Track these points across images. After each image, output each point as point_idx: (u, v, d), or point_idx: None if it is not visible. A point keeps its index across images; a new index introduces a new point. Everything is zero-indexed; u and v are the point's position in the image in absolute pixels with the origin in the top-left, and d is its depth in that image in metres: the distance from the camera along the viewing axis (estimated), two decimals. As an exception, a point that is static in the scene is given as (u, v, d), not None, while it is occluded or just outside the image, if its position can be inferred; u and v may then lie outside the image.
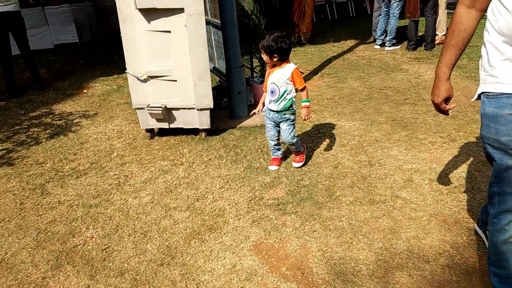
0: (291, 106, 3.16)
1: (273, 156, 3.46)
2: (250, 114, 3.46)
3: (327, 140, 3.91)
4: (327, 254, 2.43)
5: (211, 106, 3.88)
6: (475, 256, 2.34)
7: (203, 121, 3.97)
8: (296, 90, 3.17)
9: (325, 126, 4.26)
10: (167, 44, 3.69)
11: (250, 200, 3.02)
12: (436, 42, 7.22)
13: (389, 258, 2.36)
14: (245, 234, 2.66)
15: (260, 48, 3.03)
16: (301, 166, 3.40)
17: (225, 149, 3.84)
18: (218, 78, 5.64)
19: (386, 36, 7.36)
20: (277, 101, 3.11)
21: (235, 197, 3.08)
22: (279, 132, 3.31)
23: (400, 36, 7.51)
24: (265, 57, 3.05)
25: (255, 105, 4.85)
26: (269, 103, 3.17)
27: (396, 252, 2.40)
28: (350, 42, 8.14)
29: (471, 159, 3.38)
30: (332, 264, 2.35)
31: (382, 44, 7.50)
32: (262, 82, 4.87)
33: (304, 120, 3.16)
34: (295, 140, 3.24)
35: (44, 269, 2.48)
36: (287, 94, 3.09)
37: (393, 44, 7.37)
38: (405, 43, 7.29)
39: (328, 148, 3.75)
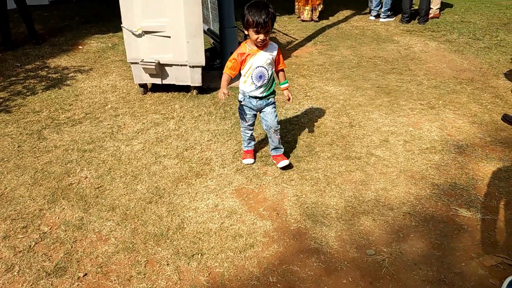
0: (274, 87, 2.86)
1: (247, 148, 3.08)
2: (217, 100, 3.03)
3: (313, 103, 4.09)
4: (301, 199, 2.66)
5: (203, 63, 4.02)
6: (435, 206, 2.58)
7: (194, 78, 4.12)
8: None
9: (312, 90, 4.43)
10: (162, 0, 3.79)
11: (236, 152, 3.23)
12: (430, 16, 7.31)
13: (357, 205, 2.60)
14: (229, 180, 2.88)
15: (260, 20, 2.44)
16: (289, 164, 2.95)
17: (215, 107, 4.01)
18: (212, 40, 5.73)
19: (381, 7, 7.43)
20: (266, 85, 2.75)
21: (222, 149, 3.28)
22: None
23: (396, 8, 7.58)
24: (260, 35, 2.51)
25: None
26: (254, 90, 2.74)
27: (364, 200, 2.64)
28: (346, 12, 8.19)
29: (446, 124, 3.59)
30: (305, 207, 2.59)
31: (377, 16, 7.58)
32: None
33: (288, 100, 2.90)
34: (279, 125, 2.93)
35: (41, 203, 2.69)
36: (272, 76, 2.76)
37: (388, 16, 7.45)
38: (400, 15, 7.36)
39: (313, 110, 3.94)
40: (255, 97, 2.79)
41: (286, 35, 6.66)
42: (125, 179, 2.92)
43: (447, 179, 2.84)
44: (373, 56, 5.55)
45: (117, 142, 3.40)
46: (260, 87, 2.75)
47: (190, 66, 4.05)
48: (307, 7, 7.41)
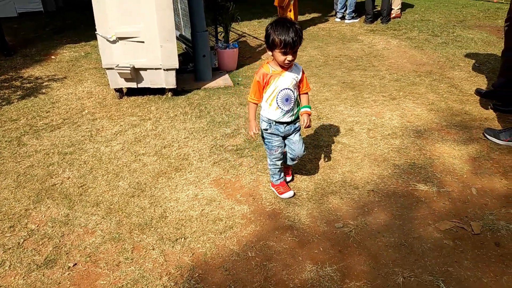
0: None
1: (281, 180, 2.74)
2: (248, 138, 2.57)
3: (283, 98, 4.32)
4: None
5: (177, 66, 4.20)
6: (396, 183, 2.83)
7: (169, 80, 4.29)
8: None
9: (282, 87, 4.65)
10: (136, 7, 3.95)
11: (212, 147, 3.41)
12: (392, 16, 7.72)
13: (326, 186, 2.82)
14: (207, 172, 3.06)
15: (289, 39, 2.19)
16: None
17: (190, 107, 4.19)
18: (184, 46, 5.91)
19: (346, 10, 7.78)
20: (293, 109, 2.49)
21: (199, 145, 3.45)
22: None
23: (359, 10, 7.95)
24: (289, 56, 2.27)
25: (218, 68, 5.20)
26: (282, 116, 2.47)
27: (332, 182, 2.87)
28: (314, 15, 8.52)
29: (406, 112, 3.88)
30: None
31: (342, 17, 7.93)
32: (226, 47, 5.21)
33: (307, 127, 2.50)
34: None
35: (26, 203, 2.79)
36: (297, 98, 2.53)
37: (352, 18, 7.81)
38: (364, 16, 7.73)
39: (284, 105, 4.16)
40: (283, 123, 2.51)
41: (256, 38, 6.90)
42: (107, 177, 3.06)
43: (407, 160, 3.10)
44: (339, 54, 5.85)
45: (97, 144, 3.53)
46: (288, 111, 2.46)
47: (164, 69, 4.21)
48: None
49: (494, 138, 3.31)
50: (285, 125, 2.52)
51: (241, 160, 3.20)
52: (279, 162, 2.66)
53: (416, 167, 3.01)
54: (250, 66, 5.47)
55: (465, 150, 3.21)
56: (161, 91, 4.49)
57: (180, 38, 5.90)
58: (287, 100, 2.43)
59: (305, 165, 3.08)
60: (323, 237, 2.37)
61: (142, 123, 3.88)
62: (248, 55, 5.94)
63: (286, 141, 2.62)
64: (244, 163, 3.17)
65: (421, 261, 2.17)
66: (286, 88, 2.41)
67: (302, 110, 2.53)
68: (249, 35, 7.10)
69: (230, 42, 5.46)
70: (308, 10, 8.93)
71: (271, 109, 2.46)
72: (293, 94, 2.44)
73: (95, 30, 4.07)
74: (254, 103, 2.48)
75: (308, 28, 7.49)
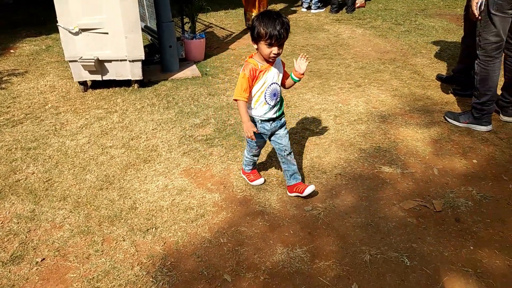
0: None
1: (253, 168, 2.75)
2: (246, 137, 2.41)
3: (251, 88, 4.34)
4: (246, 173, 2.89)
5: (143, 57, 4.13)
6: (362, 166, 2.91)
7: (135, 72, 4.22)
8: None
9: (251, 77, 4.67)
10: (97, -3, 3.85)
11: (181, 138, 3.39)
12: (357, 5, 7.85)
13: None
14: (176, 163, 3.05)
15: (274, 32, 2.11)
16: (314, 189, 2.56)
17: (158, 98, 4.14)
18: (150, 37, 5.81)
19: (312, 0, 7.86)
20: (279, 103, 2.44)
21: (168, 136, 3.43)
22: None
23: (325, 0, 8.03)
24: (274, 48, 2.17)
25: (186, 59, 5.15)
26: (269, 111, 2.39)
27: (301, 167, 2.92)
28: (280, 6, 8.55)
29: (371, 99, 3.98)
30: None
31: (308, 7, 8.00)
32: (193, 38, 5.16)
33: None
34: None
35: (-11, 200, 2.70)
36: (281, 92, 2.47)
37: (318, 7, 7.90)
38: (329, 6, 7.82)
39: (252, 94, 4.18)
40: (269, 120, 2.42)
41: (223, 29, 6.87)
42: (74, 171, 2.99)
43: (372, 144, 3.19)
44: (306, 44, 5.91)
45: (62, 138, 3.44)
46: (274, 106, 2.40)
47: (130, 61, 4.14)
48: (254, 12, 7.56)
49: (454, 121, 3.45)
50: (271, 122, 2.43)
51: (211, 150, 3.21)
52: (256, 158, 2.70)
53: (381, 150, 3.10)
54: (218, 56, 5.45)
55: (427, 133, 3.33)
56: (127, 83, 4.41)
57: (146, 30, 5.80)
58: (274, 95, 2.37)
59: (275, 153, 3.12)
60: (293, 220, 2.42)
61: (108, 115, 3.81)
62: (215, 46, 5.91)
63: (273, 137, 2.52)
64: (214, 152, 3.17)
65: (387, 239, 2.25)
66: (274, 83, 2.35)
67: (294, 78, 2.43)
68: (216, 25, 7.06)
69: (197, 32, 5.42)
70: (275, 1, 8.95)
71: (258, 105, 2.37)
72: (279, 88, 2.41)
73: (56, 22, 3.95)
74: (243, 100, 2.30)
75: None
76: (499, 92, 3.52)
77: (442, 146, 3.14)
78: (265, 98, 2.34)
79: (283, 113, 2.50)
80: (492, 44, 3.10)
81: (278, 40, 2.14)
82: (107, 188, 2.78)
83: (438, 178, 2.77)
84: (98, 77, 4.25)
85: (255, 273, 2.07)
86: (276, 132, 2.51)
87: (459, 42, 5.57)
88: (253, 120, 2.42)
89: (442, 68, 4.76)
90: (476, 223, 2.36)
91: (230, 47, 5.83)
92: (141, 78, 4.29)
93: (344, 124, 3.51)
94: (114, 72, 4.24)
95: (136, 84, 4.36)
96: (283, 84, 2.48)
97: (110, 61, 4.16)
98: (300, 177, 2.58)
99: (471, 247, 2.20)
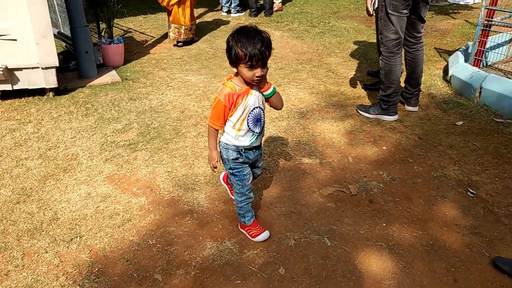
0: None
1: (254, 219, 2.32)
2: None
3: (175, 92, 4.34)
4: (173, 174, 2.90)
5: (57, 64, 3.95)
6: (284, 160, 3.07)
7: (49, 80, 4.02)
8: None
9: (174, 80, 4.67)
10: (3, 2, 3.61)
11: (103, 144, 3.30)
12: (274, 9, 8.15)
13: (222, 169, 2.93)
14: (99, 170, 2.97)
15: (255, 51, 1.83)
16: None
17: (75, 106, 3.98)
18: (64, 44, 5.55)
19: (231, 4, 8.01)
20: (262, 130, 2.18)
21: (88, 144, 3.32)
22: None
23: (244, 4, 8.23)
24: (257, 70, 1.89)
25: (104, 65, 5.00)
26: (255, 140, 2.13)
27: (227, 165, 3.00)
28: (200, 10, 8.59)
29: (290, 97, 4.18)
30: (176, 180, 2.84)
31: (228, 11, 8.14)
32: (111, 43, 5.02)
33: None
34: None
35: None
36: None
37: (238, 11, 8.07)
38: (248, 10, 8.03)
39: (176, 97, 4.19)
40: (252, 148, 2.15)
41: (143, 33, 6.76)
42: (-15, 186, 2.79)
43: (293, 138, 3.37)
44: (227, 47, 6.02)
45: (-31, 153, 3.18)
46: (260, 134, 2.14)
47: (43, 68, 3.93)
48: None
49: (365, 113, 3.75)
50: (254, 150, 2.17)
51: (135, 154, 3.17)
52: (252, 194, 2.25)
53: (301, 144, 3.29)
54: (138, 61, 5.36)
55: (341, 125, 3.59)
56: (41, 92, 4.18)
57: (59, 36, 5.52)
58: (258, 120, 2.08)
59: (202, 152, 3.17)
60: (222, 216, 2.49)
61: (22, 126, 3.59)
62: (135, 50, 5.80)
63: (252, 168, 2.30)
64: (139, 156, 3.14)
65: (309, 224, 2.41)
66: (257, 107, 2.05)
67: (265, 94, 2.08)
68: (135, 30, 6.92)
69: (114, 37, 5.28)
70: (195, 5, 8.96)
71: (241, 134, 2.07)
72: (263, 112, 2.12)
73: (-47, 28, 3.64)
74: (215, 128, 2.06)
75: (196, 22, 7.53)
76: (403, 84, 3.89)
77: (355, 136, 3.40)
78: (249, 126, 2.05)
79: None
80: (392, 41, 3.43)
81: (260, 60, 1.86)
82: (24, 201, 2.64)
83: (352, 165, 3.00)
84: (8, 87, 3.98)
85: (186, 270, 2.10)
86: (257, 163, 2.30)
87: (368, 41, 6.06)
88: (236, 148, 2.12)
89: (353, 66, 5.13)
90: (387, 203, 2.61)
91: (150, 52, 5.76)
92: (56, 85, 4.09)
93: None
94: (25, 81, 3.99)
95: (51, 93, 4.15)
96: (271, 105, 2.18)
97: (20, 69, 3.92)
98: None
99: (384, 224, 2.43)
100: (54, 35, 4.43)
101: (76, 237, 2.33)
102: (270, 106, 2.18)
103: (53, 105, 3.98)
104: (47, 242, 2.29)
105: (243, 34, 1.87)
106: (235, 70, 1.96)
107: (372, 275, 2.07)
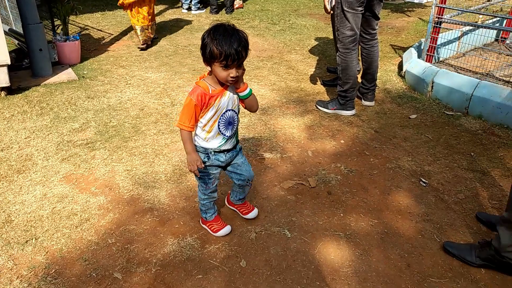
0: None
1: (215, 215, 2.33)
2: (201, 176, 2.13)
3: (135, 89, 4.27)
4: (132, 172, 2.86)
5: (8, 61, 3.79)
6: (246, 155, 3.10)
7: (0, 78, 3.84)
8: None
9: (133, 78, 4.59)
10: None
11: (59, 144, 3.21)
12: (235, 6, 8.15)
13: (184, 167, 2.93)
14: (55, 170, 2.88)
15: (231, 50, 1.76)
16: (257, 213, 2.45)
17: (29, 105, 3.83)
18: (16, 42, 5.32)
19: (191, 1, 7.94)
20: (235, 134, 2.13)
21: (43, 144, 3.21)
22: None
23: (205, 1, 8.19)
24: (232, 70, 1.83)
25: (60, 63, 4.84)
26: (224, 143, 2.07)
27: (188, 161, 2.99)
28: (160, 7, 8.45)
29: (261, 91, 4.20)
30: (136, 178, 2.80)
31: (189, 8, 8.06)
32: (66, 40, 4.87)
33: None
34: None
35: None
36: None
37: (198, 8, 8.02)
38: (209, 7, 7.99)
39: (136, 95, 4.12)
40: (224, 151, 2.10)
41: (101, 30, 6.58)
42: None
43: (255, 134, 3.41)
44: (188, 44, 5.98)
45: None
46: (230, 137, 2.07)
47: (-8, 66, 3.76)
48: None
49: (324, 108, 3.85)
50: (225, 152, 2.10)
51: (93, 153, 3.10)
52: (215, 194, 2.27)
53: (262, 139, 3.33)
54: (96, 58, 5.22)
55: (302, 120, 3.66)
56: (-9, 91, 4.00)
57: (11, 33, 5.28)
58: (230, 124, 2.02)
59: (162, 150, 3.14)
60: (183, 212, 2.48)
61: (-29, 127, 3.43)
62: (93, 48, 5.65)
63: (229, 168, 2.21)
64: (97, 155, 3.07)
65: (270, 217, 2.45)
66: (230, 110, 1.99)
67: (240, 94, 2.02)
68: (92, 27, 6.73)
69: (70, 34, 5.12)
70: (155, 2, 8.81)
71: (210, 136, 2.02)
72: (237, 116, 2.06)
73: None
74: (188, 130, 1.97)
75: (156, 19, 7.42)
76: (360, 80, 4.01)
77: (314, 131, 3.48)
78: (219, 128, 2.00)
79: (238, 141, 2.20)
80: (348, 37, 3.53)
81: (236, 61, 1.80)
82: (-26, 205, 2.52)
83: (312, 159, 3.07)
84: (-47, 86, 3.78)
85: (147, 267, 2.09)
86: (233, 162, 2.19)
87: (328, 38, 6.19)
88: (204, 150, 2.08)
89: (313, 62, 5.23)
90: (344, 194, 2.69)
91: (108, 49, 5.62)
92: (9, 84, 3.92)
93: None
94: (-27, 80, 3.81)
95: (3, 92, 3.98)
96: (246, 107, 2.11)
97: (-33, 67, 3.73)
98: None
99: (341, 214, 2.50)
100: (5, 32, 4.25)
101: (32, 239, 2.26)
102: (245, 108, 2.11)
103: (5, 105, 3.82)
104: (0, 246, 2.20)
105: (220, 31, 1.80)
106: (209, 68, 1.90)
107: (330, 263, 2.14)
